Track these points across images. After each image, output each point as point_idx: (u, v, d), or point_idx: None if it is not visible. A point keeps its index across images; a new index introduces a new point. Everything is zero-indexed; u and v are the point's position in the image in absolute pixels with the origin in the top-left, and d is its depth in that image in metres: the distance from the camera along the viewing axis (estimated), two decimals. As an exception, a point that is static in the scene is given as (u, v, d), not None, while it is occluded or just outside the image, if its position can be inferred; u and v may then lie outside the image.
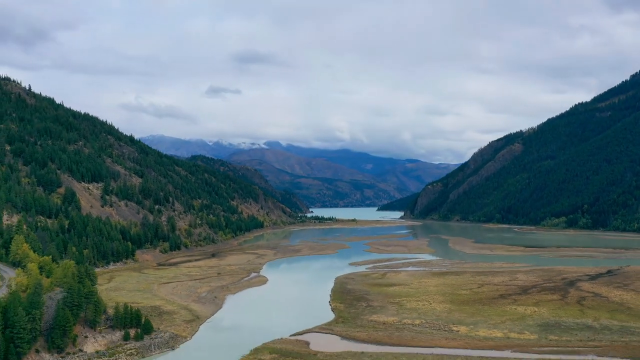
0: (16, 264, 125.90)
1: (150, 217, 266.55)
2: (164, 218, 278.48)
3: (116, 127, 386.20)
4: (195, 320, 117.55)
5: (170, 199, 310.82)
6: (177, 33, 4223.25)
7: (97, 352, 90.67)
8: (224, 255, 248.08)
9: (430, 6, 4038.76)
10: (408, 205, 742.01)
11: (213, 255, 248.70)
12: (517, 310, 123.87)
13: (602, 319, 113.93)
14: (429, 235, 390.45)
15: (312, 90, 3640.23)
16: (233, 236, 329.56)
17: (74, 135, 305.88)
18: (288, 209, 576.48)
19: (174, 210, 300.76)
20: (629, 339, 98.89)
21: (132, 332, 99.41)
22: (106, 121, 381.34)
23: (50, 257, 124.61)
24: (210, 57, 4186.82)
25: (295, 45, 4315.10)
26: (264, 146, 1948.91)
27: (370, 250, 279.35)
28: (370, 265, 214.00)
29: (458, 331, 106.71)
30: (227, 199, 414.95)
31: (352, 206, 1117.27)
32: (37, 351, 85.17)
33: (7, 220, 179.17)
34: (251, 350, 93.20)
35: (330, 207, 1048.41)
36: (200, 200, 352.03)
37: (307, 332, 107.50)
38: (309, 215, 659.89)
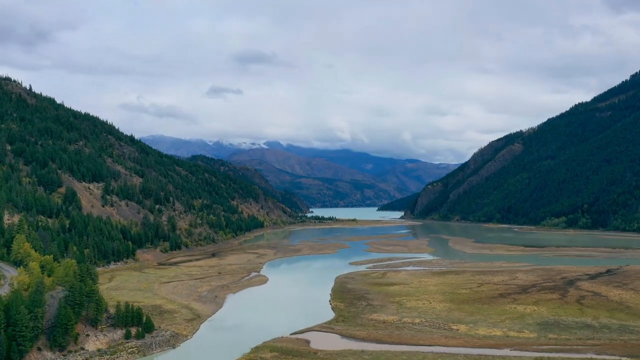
0: (18, 263, 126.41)
1: (151, 217, 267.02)
2: (164, 218, 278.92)
3: (116, 127, 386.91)
4: (196, 319, 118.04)
5: (171, 198, 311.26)
6: (178, 33, 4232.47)
7: (98, 350, 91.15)
8: (224, 255, 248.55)
9: (430, 6, 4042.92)
10: (408, 205, 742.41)
11: (213, 255, 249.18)
12: (516, 309, 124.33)
13: (601, 317, 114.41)
14: (429, 235, 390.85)
15: (312, 90, 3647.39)
16: (233, 236, 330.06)
17: (74, 135, 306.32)
18: (288, 209, 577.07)
19: (174, 210, 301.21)
20: (627, 338, 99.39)
21: (133, 330, 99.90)
22: (106, 121, 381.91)
23: (52, 256, 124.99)
24: (212, 57, 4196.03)
25: (296, 45, 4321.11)
26: (264, 146, 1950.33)
27: (371, 250, 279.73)
28: (371, 265, 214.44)
29: (458, 330, 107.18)
30: (228, 198, 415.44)
31: (352, 206, 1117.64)
32: (39, 349, 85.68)
33: (8, 219, 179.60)
34: (252, 349, 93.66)
35: (331, 207, 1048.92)
36: (200, 200, 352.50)
37: (307, 331, 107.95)
38: (309, 215, 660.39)
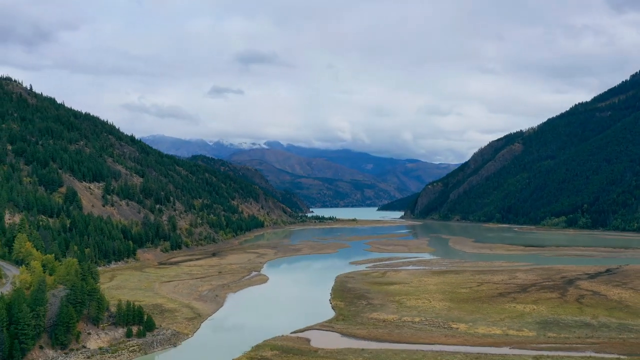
0: (19, 262, 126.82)
1: (151, 217, 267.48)
2: (164, 217, 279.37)
3: (117, 127, 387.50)
4: (197, 318, 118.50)
5: (171, 198, 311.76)
6: (179, 33, 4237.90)
7: (100, 348, 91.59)
8: (224, 255, 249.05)
9: (431, 6, 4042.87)
10: (408, 205, 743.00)
11: (214, 255, 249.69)
12: (516, 308, 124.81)
13: (600, 316, 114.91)
14: (429, 235, 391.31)
15: (313, 90, 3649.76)
16: (234, 235, 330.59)
17: (75, 135, 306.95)
18: (288, 209, 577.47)
19: (174, 210, 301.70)
20: (626, 336, 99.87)
21: (134, 329, 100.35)
22: (107, 121, 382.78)
23: (53, 255, 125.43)
24: (213, 57, 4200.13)
25: (297, 45, 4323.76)
26: (264, 146, 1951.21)
27: (371, 250, 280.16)
28: (371, 264, 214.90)
29: (457, 328, 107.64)
30: (228, 198, 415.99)
31: (352, 206, 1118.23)
32: (41, 347, 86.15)
33: (9, 219, 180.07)
34: (252, 347, 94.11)
35: (331, 207, 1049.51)
36: (201, 200, 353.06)
37: (307, 330, 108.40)
38: (309, 215, 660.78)
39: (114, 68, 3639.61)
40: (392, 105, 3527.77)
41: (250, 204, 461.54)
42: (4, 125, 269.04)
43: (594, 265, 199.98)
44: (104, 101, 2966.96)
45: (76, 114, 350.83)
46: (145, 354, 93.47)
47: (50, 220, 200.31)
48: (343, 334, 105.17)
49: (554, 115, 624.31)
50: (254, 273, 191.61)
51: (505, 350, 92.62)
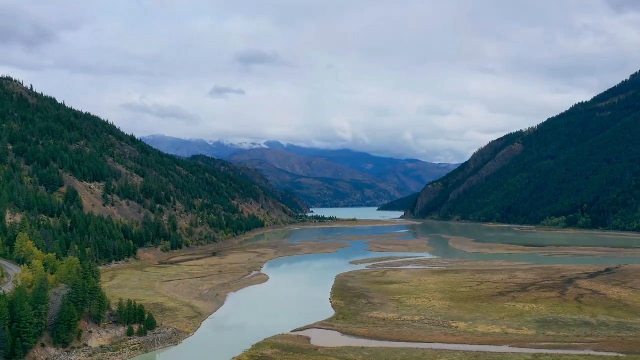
0: (20, 261, 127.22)
1: (152, 216, 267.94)
2: (165, 217, 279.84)
3: (117, 127, 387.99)
4: (198, 317, 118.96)
5: (172, 198, 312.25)
6: (180, 33, 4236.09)
7: (101, 346, 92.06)
8: (225, 254, 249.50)
9: (431, 6, 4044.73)
10: (408, 205, 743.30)
11: (214, 254, 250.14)
12: (515, 307, 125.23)
13: (599, 315, 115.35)
14: (429, 235, 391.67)
15: (313, 90, 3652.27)
16: (234, 235, 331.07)
17: (75, 134, 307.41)
18: (289, 209, 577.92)
19: (175, 210, 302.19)
20: (625, 335, 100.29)
21: (135, 327, 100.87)
22: (107, 121, 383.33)
23: (54, 254, 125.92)
24: (214, 57, 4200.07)
25: (297, 45, 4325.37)
26: (264, 146, 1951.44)
27: (371, 249, 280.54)
28: (371, 264, 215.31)
29: (457, 327, 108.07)
30: (228, 198, 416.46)
31: (352, 206, 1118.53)
32: (43, 345, 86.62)
33: (10, 219, 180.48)
34: (253, 346, 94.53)
35: (331, 207, 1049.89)
36: (201, 200, 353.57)
37: (308, 328, 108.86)
38: (309, 215, 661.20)
39: (114, 68, 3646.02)
40: (392, 105, 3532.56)
41: (251, 203, 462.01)
42: (4, 125, 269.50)
43: (594, 264, 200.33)
44: (104, 101, 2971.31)
45: (76, 114, 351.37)
46: (147, 352, 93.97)
47: (51, 219, 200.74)
48: (343, 333, 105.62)
49: (554, 115, 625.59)
50: (254, 272, 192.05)
51: (504, 348, 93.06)
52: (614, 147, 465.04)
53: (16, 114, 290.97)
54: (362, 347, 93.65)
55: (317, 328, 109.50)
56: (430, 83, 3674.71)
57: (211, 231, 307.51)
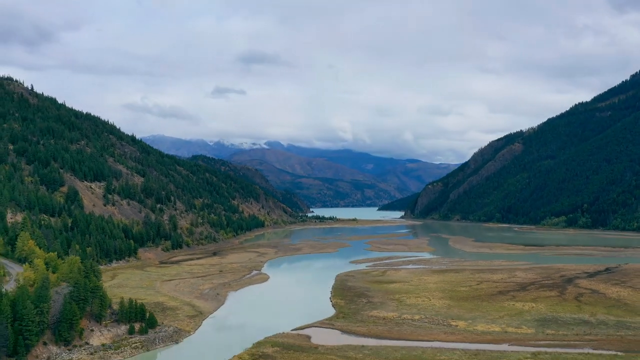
0: (22, 260, 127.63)
1: (152, 216, 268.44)
2: (165, 217, 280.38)
3: (118, 127, 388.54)
4: (198, 316, 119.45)
5: (172, 198, 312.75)
6: (181, 33, 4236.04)
7: (103, 345, 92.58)
8: (225, 254, 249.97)
9: (431, 6, 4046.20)
10: (408, 205, 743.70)
11: (214, 254, 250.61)
12: (515, 306, 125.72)
13: (598, 314, 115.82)
14: (429, 234, 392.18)
15: (314, 90, 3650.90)
16: (234, 235, 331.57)
17: (76, 134, 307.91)
18: (289, 209, 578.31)
19: (175, 209, 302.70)
20: (624, 333, 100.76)
21: (137, 326, 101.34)
22: (108, 121, 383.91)
23: (56, 253, 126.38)
24: (215, 57, 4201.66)
25: (298, 45, 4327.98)
26: (264, 146, 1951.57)
27: (371, 249, 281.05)
28: (371, 263, 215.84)
29: (457, 326, 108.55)
30: (228, 198, 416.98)
31: (352, 206, 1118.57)
32: (45, 344, 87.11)
33: (11, 218, 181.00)
34: (253, 344, 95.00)
35: (331, 207, 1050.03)
36: (201, 200, 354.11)
37: (308, 327, 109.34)
38: (309, 214, 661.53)
39: (115, 68, 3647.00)
40: (393, 105, 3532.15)
41: (251, 203, 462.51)
42: (5, 125, 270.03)
43: (594, 264, 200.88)
44: (106, 101, 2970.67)
45: (77, 114, 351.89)
46: (148, 350, 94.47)
47: (52, 219, 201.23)
48: (343, 331, 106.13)
49: (554, 115, 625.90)
50: (254, 272, 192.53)
51: (504, 347, 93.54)
52: (614, 147, 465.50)
53: (17, 114, 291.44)
54: (362, 346, 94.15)
55: (317, 327, 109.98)
56: (431, 83, 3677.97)
57: (211, 231, 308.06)
